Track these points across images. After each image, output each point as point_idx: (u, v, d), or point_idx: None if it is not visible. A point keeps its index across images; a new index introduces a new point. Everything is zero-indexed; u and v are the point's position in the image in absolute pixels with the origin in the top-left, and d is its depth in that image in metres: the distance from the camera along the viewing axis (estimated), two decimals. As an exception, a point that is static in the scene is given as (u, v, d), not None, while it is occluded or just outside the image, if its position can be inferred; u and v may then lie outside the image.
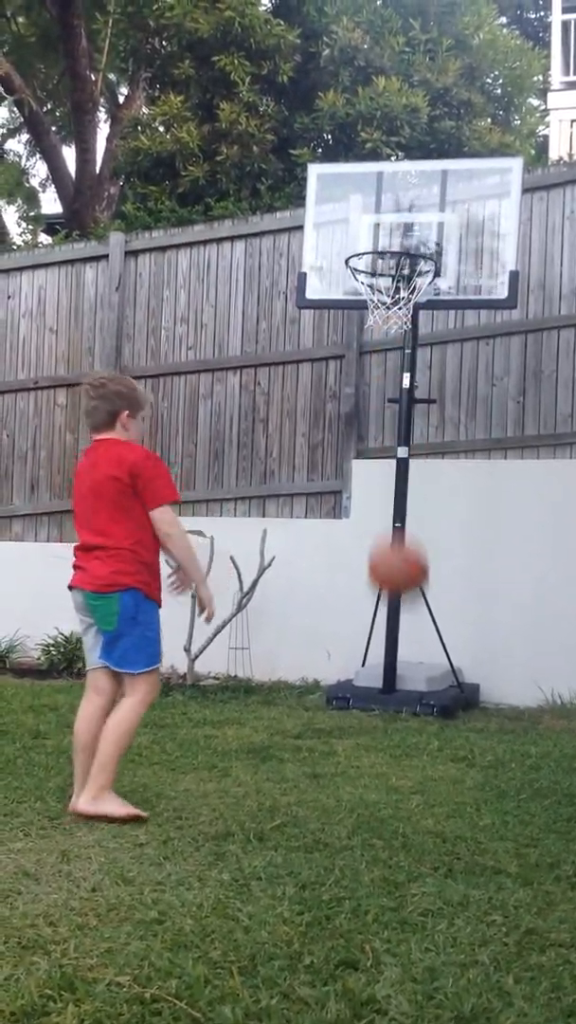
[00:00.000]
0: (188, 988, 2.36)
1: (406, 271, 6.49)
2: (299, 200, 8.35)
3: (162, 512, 3.86)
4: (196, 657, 7.26)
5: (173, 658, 7.51)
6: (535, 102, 12.59)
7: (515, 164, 6.73)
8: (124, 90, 17.39)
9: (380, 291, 6.55)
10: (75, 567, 3.92)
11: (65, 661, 7.56)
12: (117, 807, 3.73)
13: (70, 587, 3.92)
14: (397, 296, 6.46)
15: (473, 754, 5.07)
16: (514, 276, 6.51)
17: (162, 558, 3.94)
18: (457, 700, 6.41)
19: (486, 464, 7.29)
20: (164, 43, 11.56)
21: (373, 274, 6.66)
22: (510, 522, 7.00)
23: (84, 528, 3.93)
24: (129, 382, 4.11)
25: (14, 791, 4.06)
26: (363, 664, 6.71)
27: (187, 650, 7.27)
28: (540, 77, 13.32)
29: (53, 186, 16.84)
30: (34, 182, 20.82)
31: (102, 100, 16.47)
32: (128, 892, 2.98)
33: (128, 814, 3.71)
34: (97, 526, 3.87)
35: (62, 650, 7.62)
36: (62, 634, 7.70)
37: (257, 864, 3.25)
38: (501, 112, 11.85)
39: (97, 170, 15.16)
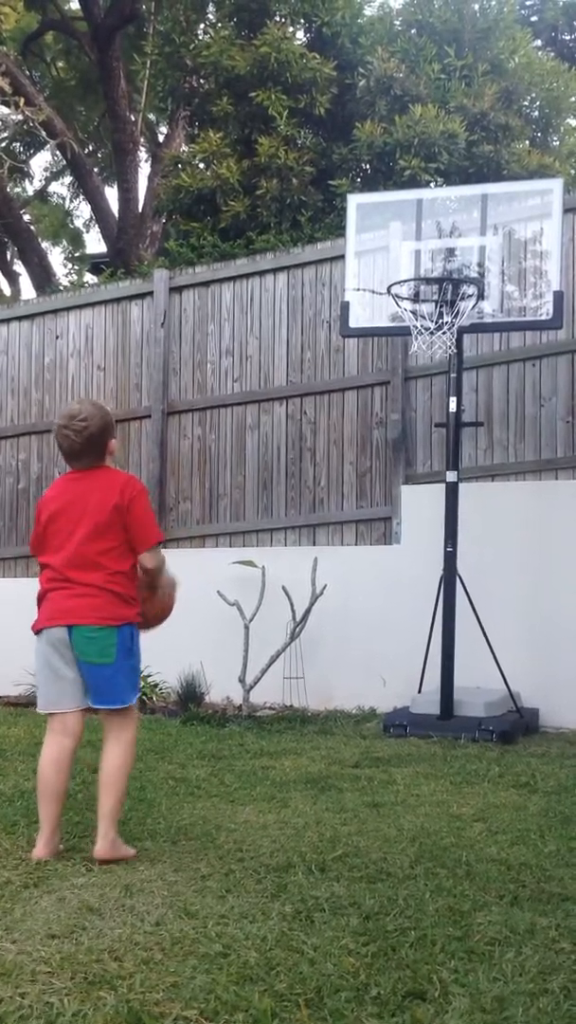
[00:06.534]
0: (256, 1021, 2.34)
1: (449, 295, 6.50)
2: (340, 230, 8.40)
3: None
4: (251, 688, 7.25)
5: (228, 689, 7.52)
6: (574, 122, 12.55)
7: (555, 185, 6.74)
8: (164, 129, 17.65)
9: (424, 316, 6.56)
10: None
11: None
12: (127, 848, 3.72)
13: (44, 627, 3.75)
14: (441, 321, 6.47)
15: (535, 780, 5.01)
16: (559, 296, 6.49)
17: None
18: (517, 725, 6.34)
19: (537, 485, 7.23)
20: (202, 81, 11.72)
21: (416, 300, 6.67)
22: (563, 543, 6.94)
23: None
24: (103, 406, 3.85)
25: (75, 826, 4.07)
26: (419, 690, 6.67)
27: (242, 681, 7.27)
28: (577, 97, 13.28)
29: (97, 226, 17.10)
30: (78, 223, 21.24)
31: (142, 140, 16.73)
32: (192, 925, 2.98)
33: (134, 853, 3.71)
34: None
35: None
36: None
37: (320, 895, 3.23)
38: (539, 134, 11.82)
39: (140, 209, 15.38)
